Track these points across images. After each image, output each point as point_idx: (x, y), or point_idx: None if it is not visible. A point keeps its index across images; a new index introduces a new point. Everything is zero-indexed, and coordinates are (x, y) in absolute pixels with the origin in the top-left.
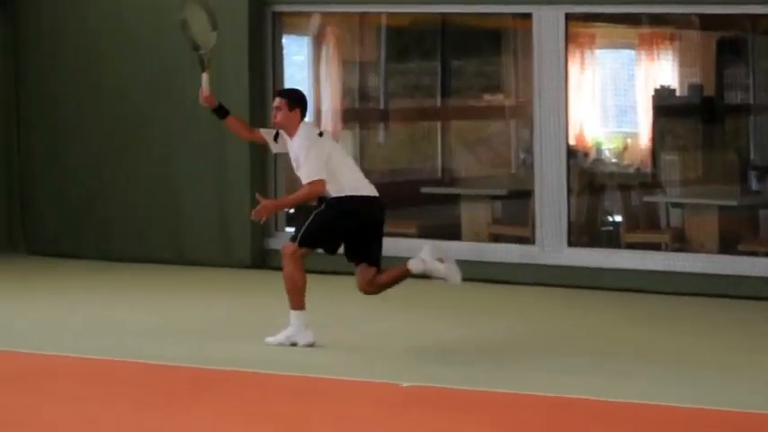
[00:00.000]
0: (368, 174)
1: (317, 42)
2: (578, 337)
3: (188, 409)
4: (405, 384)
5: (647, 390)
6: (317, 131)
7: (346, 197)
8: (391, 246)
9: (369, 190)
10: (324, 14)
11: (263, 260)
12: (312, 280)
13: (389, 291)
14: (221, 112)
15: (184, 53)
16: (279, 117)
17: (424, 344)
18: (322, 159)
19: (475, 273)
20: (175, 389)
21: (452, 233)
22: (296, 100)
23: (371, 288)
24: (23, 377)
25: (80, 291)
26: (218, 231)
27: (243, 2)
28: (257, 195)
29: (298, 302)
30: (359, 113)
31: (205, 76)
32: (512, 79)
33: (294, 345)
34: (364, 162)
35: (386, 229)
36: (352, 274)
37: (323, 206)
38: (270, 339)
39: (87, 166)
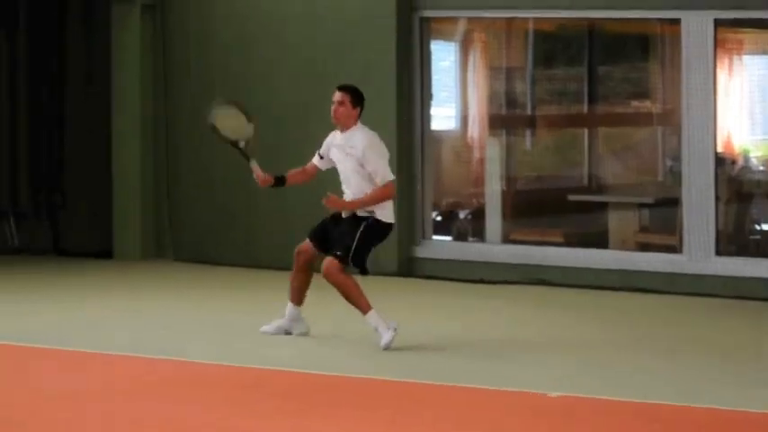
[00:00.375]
0: (514, 181)
1: (465, 48)
2: (731, 349)
3: (326, 417)
4: (553, 395)
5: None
6: None
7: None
8: (537, 253)
9: None
10: (471, 20)
11: (409, 268)
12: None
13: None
14: (281, 181)
15: (330, 59)
16: (340, 111)
17: (568, 352)
18: (385, 159)
19: (621, 281)
20: (313, 395)
21: (599, 241)
22: (359, 98)
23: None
24: (167, 384)
25: (223, 297)
26: None
27: (391, 7)
28: (328, 194)
29: (365, 305)
30: (505, 120)
31: (253, 163)
32: (659, 86)
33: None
34: (510, 169)
35: (530, 237)
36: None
37: (366, 225)
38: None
39: (234, 173)
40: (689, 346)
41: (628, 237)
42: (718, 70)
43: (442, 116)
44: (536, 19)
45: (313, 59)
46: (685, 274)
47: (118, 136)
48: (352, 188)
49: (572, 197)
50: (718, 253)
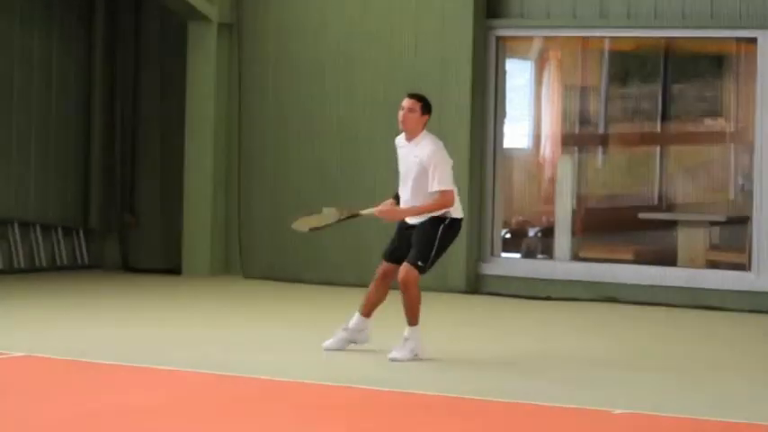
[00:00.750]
0: (586, 198)
1: (539, 66)
2: None
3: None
4: (616, 412)
5: None
6: None
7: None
8: (608, 272)
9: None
10: (546, 38)
11: (477, 285)
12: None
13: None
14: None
15: (405, 77)
16: (410, 118)
17: (636, 371)
18: (450, 171)
19: (690, 299)
20: (380, 413)
21: (668, 259)
22: (428, 106)
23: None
24: (239, 401)
25: (293, 314)
26: None
27: (468, 26)
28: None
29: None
30: (578, 138)
31: (365, 211)
32: (732, 104)
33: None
34: (582, 186)
35: (600, 254)
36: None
37: (444, 227)
38: (395, 355)
39: (305, 190)
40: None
41: (697, 254)
42: None
43: (515, 134)
44: (611, 38)
45: (389, 77)
46: (753, 292)
47: (191, 156)
48: (411, 194)
49: (643, 215)
50: None
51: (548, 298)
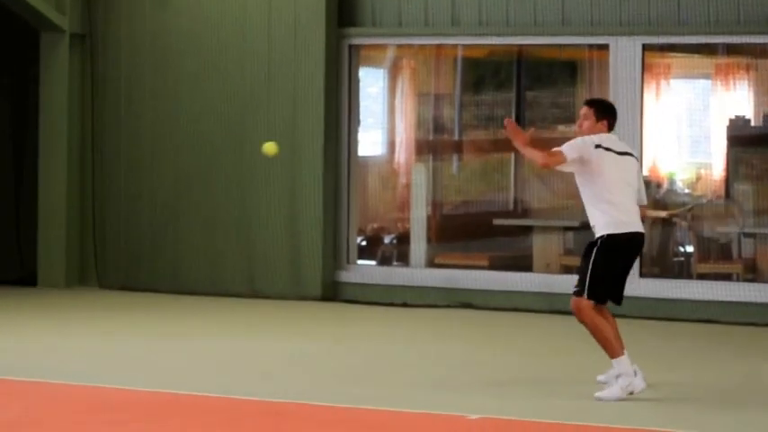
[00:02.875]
0: (441, 205)
1: (393, 74)
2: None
3: None
4: (472, 417)
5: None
6: (615, 147)
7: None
8: (463, 278)
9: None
10: (399, 46)
11: (333, 293)
12: None
13: None
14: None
15: (259, 87)
16: (584, 126)
17: (492, 376)
18: (578, 151)
19: (546, 304)
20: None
21: (524, 265)
22: (604, 110)
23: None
24: (93, 411)
25: (149, 325)
26: (290, 264)
27: (320, 34)
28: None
29: (614, 349)
30: (432, 145)
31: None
32: None
33: (632, 394)
34: (437, 194)
35: (455, 261)
36: None
37: (597, 250)
38: (602, 395)
39: (160, 201)
40: None
41: (552, 260)
42: (646, 94)
43: (370, 142)
44: (464, 45)
45: (242, 87)
46: None
47: (44, 166)
48: (589, 204)
49: (497, 221)
50: (642, 275)
51: (404, 304)
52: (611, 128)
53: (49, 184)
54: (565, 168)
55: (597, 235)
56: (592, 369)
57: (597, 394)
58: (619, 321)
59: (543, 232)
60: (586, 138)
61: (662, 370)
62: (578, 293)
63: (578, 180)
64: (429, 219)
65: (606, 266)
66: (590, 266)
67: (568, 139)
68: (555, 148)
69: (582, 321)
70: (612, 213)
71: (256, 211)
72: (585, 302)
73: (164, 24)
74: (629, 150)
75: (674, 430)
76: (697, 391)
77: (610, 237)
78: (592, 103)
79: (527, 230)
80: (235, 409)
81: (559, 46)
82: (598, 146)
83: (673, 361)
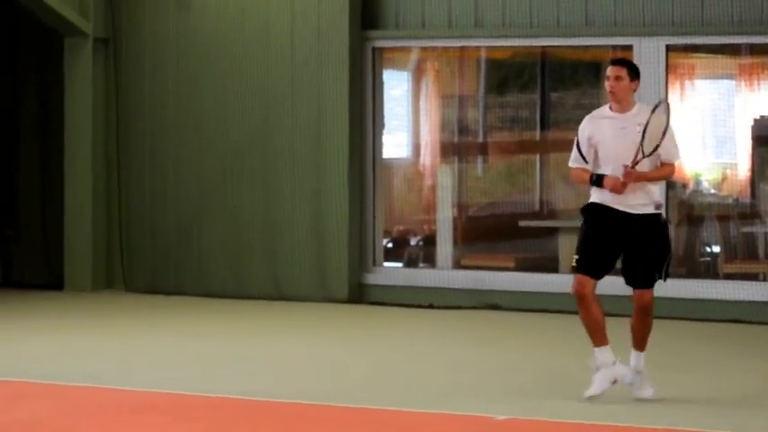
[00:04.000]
0: (466, 207)
1: (417, 77)
2: (667, 370)
3: None
4: (499, 418)
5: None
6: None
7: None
8: (489, 279)
9: None
10: (423, 49)
11: (360, 295)
12: None
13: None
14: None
15: (283, 89)
16: (620, 86)
17: (519, 377)
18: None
19: (572, 305)
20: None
21: (550, 266)
22: (635, 70)
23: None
24: (121, 413)
25: (176, 327)
26: (316, 267)
27: (344, 37)
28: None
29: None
30: (457, 147)
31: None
32: None
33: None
34: (462, 195)
35: (481, 262)
36: None
37: (664, 224)
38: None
39: (185, 203)
40: None
41: None
42: (670, 95)
43: (394, 144)
44: (488, 47)
45: (266, 92)
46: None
47: (70, 170)
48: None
49: (523, 223)
50: (668, 275)
51: (430, 306)
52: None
53: (74, 188)
54: None
55: (654, 211)
56: None
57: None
58: None
59: (569, 233)
60: (672, 131)
61: (691, 371)
62: (650, 283)
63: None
64: (455, 220)
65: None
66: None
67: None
68: (674, 160)
69: (651, 316)
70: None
71: (281, 214)
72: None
73: (187, 27)
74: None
75: (704, 430)
76: (725, 392)
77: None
78: (623, 63)
79: (553, 231)
80: (259, 411)
81: (583, 47)
82: None
83: (698, 361)
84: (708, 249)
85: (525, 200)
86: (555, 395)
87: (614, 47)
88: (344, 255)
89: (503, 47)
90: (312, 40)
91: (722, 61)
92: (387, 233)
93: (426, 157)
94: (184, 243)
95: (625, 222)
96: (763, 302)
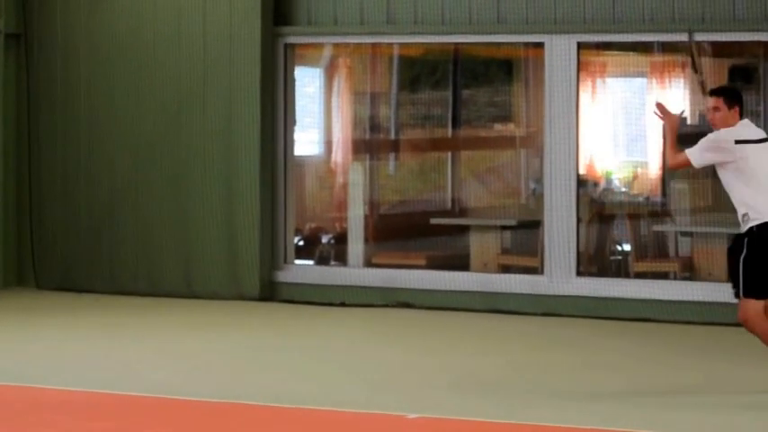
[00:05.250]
0: (378, 205)
1: (329, 73)
2: (581, 368)
3: None
4: (411, 416)
5: (641, 419)
6: (752, 136)
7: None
8: (401, 277)
9: None
10: (336, 45)
11: (271, 293)
12: None
13: None
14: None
15: (195, 85)
16: (717, 117)
17: (431, 375)
18: (712, 153)
19: (483, 303)
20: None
21: (461, 264)
22: (732, 96)
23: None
24: (29, 411)
25: (88, 325)
26: (227, 264)
27: (255, 33)
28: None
29: None
30: (369, 144)
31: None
32: (523, 109)
33: None
34: (374, 193)
35: (393, 260)
36: None
37: (748, 242)
38: None
39: (96, 199)
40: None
41: (490, 259)
42: (581, 93)
43: (306, 141)
44: (400, 44)
45: (177, 88)
46: (546, 295)
47: None
48: (734, 194)
49: (435, 221)
50: (579, 273)
51: (342, 304)
52: (741, 113)
53: None
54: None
55: (745, 228)
56: (530, 368)
57: None
58: (553, 321)
59: (481, 231)
60: (721, 135)
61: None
62: (737, 295)
63: (719, 172)
64: (366, 218)
65: (755, 259)
66: (741, 262)
67: (505, 137)
68: (687, 150)
69: (752, 332)
70: (758, 204)
71: (193, 211)
72: (751, 307)
73: (99, 22)
74: (764, 135)
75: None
76: (649, 390)
77: (759, 227)
78: (720, 92)
79: (464, 229)
80: (171, 408)
81: (495, 44)
82: (737, 141)
83: (615, 361)
84: (618, 248)
85: (437, 198)
86: (465, 393)
87: (526, 44)
88: (256, 252)
89: (415, 43)
90: (224, 36)
91: (634, 59)
92: (298, 231)
93: (338, 155)
94: (96, 241)
95: None
96: (674, 301)
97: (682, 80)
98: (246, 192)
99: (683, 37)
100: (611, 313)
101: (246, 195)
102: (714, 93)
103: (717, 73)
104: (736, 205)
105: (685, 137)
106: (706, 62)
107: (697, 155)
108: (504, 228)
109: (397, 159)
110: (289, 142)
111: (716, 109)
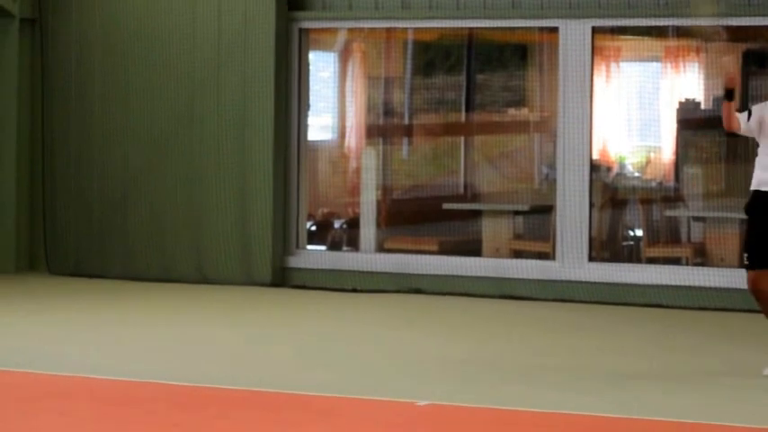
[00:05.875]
0: (391, 190)
1: (343, 58)
2: (595, 354)
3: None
4: (421, 403)
5: (661, 406)
6: None
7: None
8: (413, 263)
9: None
10: (350, 30)
11: (283, 279)
12: None
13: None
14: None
15: (209, 71)
16: None
17: (442, 361)
18: (756, 117)
19: (495, 289)
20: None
21: (473, 249)
22: None
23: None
24: (41, 398)
25: (100, 310)
26: (240, 250)
27: (270, 18)
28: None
29: None
30: (383, 129)
31: None
32: (536, 93)
33: None
34: (387, 178)
35: (405, 246)
36: None
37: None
38: None
39: (110, 186)
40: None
41: (502, 244)
42: (595, 77)
43: (320, 126)
44: (415, 29)
45: (192, 73)
46: (558, 281)
47: None
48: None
49: (447, 205)
50: (591, 259)
51: (353, 290)
52: None
53: None
54: (746, 134)
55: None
56: (542, 354)
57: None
58: (565, 306)
59: (493, 216)
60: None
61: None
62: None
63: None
64: (379, 203)
65: (754, 227)
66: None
67: (518, 122)
68: (741, 114)
69: (758, 301)
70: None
71: (206, 197)
72: (752, 276)
73: (114, 8)
74: None
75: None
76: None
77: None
78: None
79: (477, 215)
80: (180, 395)
81: (509, 29)
82: None
83: (628, 346)
84: (631, 233)
85: (450, 183)
86: (477, 380)
87: (540, 29)
88: (268, 238)
89: (429, 28)
90: (239, 21)
91: (648, 43)
92: (311, 216)
93: (352, 140)
94: (109, 226)
95: None
96: (686, 287)
97: (696, 65)
98: (259, 177)
99: (698, 21)
100: (623, 299)
101: (259, 181)
102: None
103: (731, 58)
104: None
105: (699, 121)
106: (721, 47)
107: (744, 117)
108: (516, 213)
109: (411, 144)
110: (302, 127)
111: None
